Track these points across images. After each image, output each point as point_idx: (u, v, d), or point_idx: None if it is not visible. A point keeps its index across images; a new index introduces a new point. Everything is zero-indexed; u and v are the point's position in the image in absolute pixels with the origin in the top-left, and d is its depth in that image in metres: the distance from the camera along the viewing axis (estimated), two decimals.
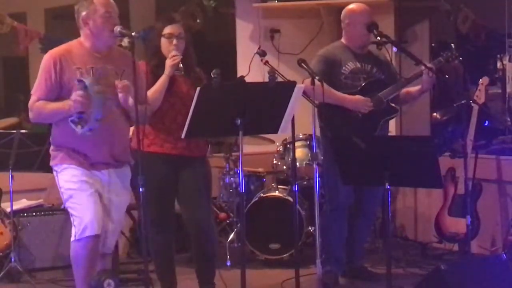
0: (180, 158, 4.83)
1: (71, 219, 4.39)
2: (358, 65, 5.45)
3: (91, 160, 4.37)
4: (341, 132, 5.21)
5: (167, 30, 4.81)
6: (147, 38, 4.60)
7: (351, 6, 5.55)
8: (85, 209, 4.31)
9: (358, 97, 5.36)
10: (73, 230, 4.36)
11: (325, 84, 5.16)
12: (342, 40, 5.57)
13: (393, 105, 5.48)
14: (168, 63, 4.72)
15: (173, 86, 4.78)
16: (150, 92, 4.64)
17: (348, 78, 5.42)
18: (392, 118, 5.73)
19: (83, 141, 4.30)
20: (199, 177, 4.89)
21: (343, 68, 5.42)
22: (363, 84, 5.40)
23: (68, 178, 4.37)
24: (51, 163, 4.45)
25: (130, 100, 4.26)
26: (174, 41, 4.79)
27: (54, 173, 4.45)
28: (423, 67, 5.39)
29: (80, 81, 4.17)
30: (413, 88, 5.54)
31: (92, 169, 4.38)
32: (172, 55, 4.73)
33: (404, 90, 5.52)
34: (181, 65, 4.72)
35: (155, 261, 5.04)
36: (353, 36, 5.49)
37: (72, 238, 4.36)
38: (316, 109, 4.97)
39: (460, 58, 5.60)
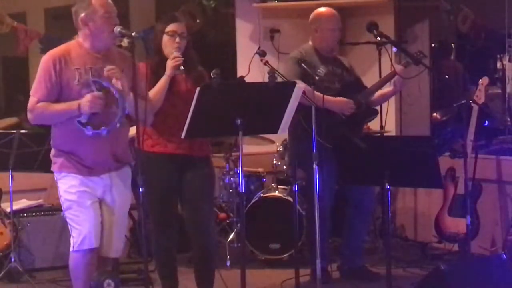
0: (184, 158, 4.82)
1: (69, 228, 4.38)
2: (330, 68, 5.51)
3: (92, 162, 4.33)
4: (328, 135, 5.16)
5: (170, 27, 4.80)
6: (147, 38, 4.59)
7: (320, 10, 5.60)
8: (83, 222, 4.30)
9: (341, 98, 5.38)
10: (72, 240, 4.36)
11: (308, 87, 5.13)
12: (310, 43, 5.60)
13: (371, 107, 5.52)
14: (170, 64, 4.71)
15: (174, 86, 4.77)
16: (151, 93, 4.63)
17: (324, 81, 5.43)
18: (373, 119, 5.75)
19: (84, 142, 4.27)
20: (203, 178, 4.88)
21: (318, 71, 5.44)
22: (340, 87, 5.42)
23: (66, 188, 4.34)
24: (52, 168, 4.43)
25: (119, 84, 4.21)
26: (177, 39, 4.78)
27: (55, 178, 4.43)
28: (395, 67, 5.44)
29: (95, 81, 4.18)
30: (386, 90, 5.57)
31: (91, 175, 4.35)
32: (174, 56, 4.72)
33: (378, 92, 5.55)
34: (182, 67, 4.71)
35: (158, 261, 5.04)
36: (321, 41, 5.54)
37: (71, 248, 4.36)
38: (319, 109, 4.93)
39: (424, 56, 5.60)
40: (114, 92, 4.21)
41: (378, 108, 5.90)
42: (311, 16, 5.60)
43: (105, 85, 4.19)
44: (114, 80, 4.23)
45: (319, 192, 5.18)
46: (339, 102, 5.38)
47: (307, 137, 4.87)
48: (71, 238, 4.36)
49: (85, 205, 4.32)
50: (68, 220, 4.38)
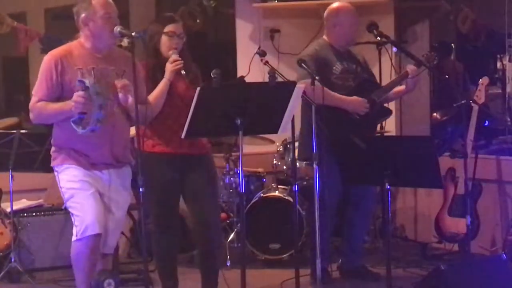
0: (185, 157, 4.83)
1: (72, 218, 4.40)
2: (345, 64, 5.46)
3: (92, 160, 4.38)
4: (340, 134, 5.18)
5: (169, 28, 4.79)
6: (147, 38, 4.59)
7: (336, 5, 5.54)
8: (86, 209, 4.31)
9: (355, 98, 5.36)
10: (74, 230, 4.36)
11: (322, 86, 5.17)
12: (325, 38, 5.56)
13: (385, 106, 5.52)
14: (170, 68, 4.69)
15: (171, 87, 4.75)
16: (151, 97, 4.63)
17: (339, 79, 5.42)
18: (386, 119, 5.75)
19: (84, 141, 4.30)
20: (206, 175, 4.89)
21: (333, 68, 5.42)
22: (354, 85, 5.41)
23: (69, 178, 4.37)
24: (52, 163, 4.45)
25: (130, 99, 4.26)
26: (176, 40, 4.77)
27: (55, 173, 4.45)
28: (408, 67, 5.43)
29: (80, 81, 4.17)
30: (400, 88, 5.56)
31: (92, 169, 4.39)
32: (174, 60, 4.70)
33: (393, 90, 5.55)
34: (184, 71, 4.70)
35: (158, 261, 5.04)
36: (339, 36, 5.48)
37: (74, 238, 4.37)
38: (319, 109, 4.94)
39: (438, 59, 5.60)
40: (92, 93, 4.16)
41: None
42: (328, 11, 5.53)
43: (87, 84, 4.17)
44: (121, 95, 4.25)
45: (326, 191, 5.21)
46: (353, 102, 5.36)
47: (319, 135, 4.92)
48: (74, 228, 4.36)
49: (87, 193, 4.34)
50: (70, 209, 4.40)
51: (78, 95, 4.15)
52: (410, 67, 5.44)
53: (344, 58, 5.48)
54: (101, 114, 4.16)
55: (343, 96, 5.33)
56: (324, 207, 5.35)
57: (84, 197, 4.33)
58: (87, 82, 4.15)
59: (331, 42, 5.50)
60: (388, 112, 5.62)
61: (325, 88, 5.19)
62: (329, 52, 5.45)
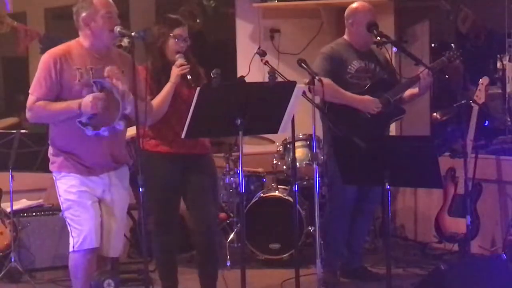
0: (187, 157, 4.83)
1: (69, 228, 4.38)
2: (362, 64, 5.47)
3: (91, 163, 4.34)
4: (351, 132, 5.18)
5: (177, 31, 4.78)
6: (147, 38, 4.58)
7: (355, 5, 5.56)
8: (84, 222, 4.30)
9: (367, 97, 5.37)
10: (71, 240, 4.36)
11: (334, 84, 5.20)
12: (345, 37, 5.57)
13: (400, 105, 5.51)
14: (176, 71, 4.70)
15: (175, 89, 4.75)
16: (156, 101, 4.64)
17: (354, 78, 5.42)
18: (400, 119, 5.75)
19: (84, 143, 4.28)
20: (207, 175, 4.90)
21: (349, 67, 5.43)
22: (369, 84, 5.41)
23: (66, 187, 4.34)
24: (50, 167, 4.42)
25: (121, 85, 4.21)
26: (182, 44, 4.77)
27: (54, 178, 4.43)
28: (421, 70, 5.42)
29: (97, 82, 4.17)
30: (414, 90, 5.55)
31: (91, 175, 4.35)
32: (180, 64, 4.70)
33: (408, 91, 5.54)
34: (189, 76, 4.69)
35: (158, 261, 5.04)
36: (357, 35, 5.49)
37: (70, 249, 4.36)
38: (319, 109, 4.95)
39: (461, 58, 5.61)
40: (115, 93, 4.21)
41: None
42: (347, 11, 5.55)
43: (106, 85, 4.19)
44: (114, 80, 4.24)
45: (342, 191, 5.23)
46: (364, 101, 5.36)
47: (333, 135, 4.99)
48: (71, 238, 4.35)
49: (86, 205, 4.32)
50: (67, 220, 4.38)
51: (97, 97, 4.14)
52: (424, 73, 5.42)
53: (362, 57, 5.49)
54: (123, 117, 4.19)
55: (354, 95, 5.34)
56: (343, 206, 5.41)
57: (82, 210, 4.31)
58: (106, 83, 4.17)
59: (350, 41, 5.52)
60: (402, 111, 5.61)
61: (337, 86, 5.23)
62: (346, 51, 5.47)
